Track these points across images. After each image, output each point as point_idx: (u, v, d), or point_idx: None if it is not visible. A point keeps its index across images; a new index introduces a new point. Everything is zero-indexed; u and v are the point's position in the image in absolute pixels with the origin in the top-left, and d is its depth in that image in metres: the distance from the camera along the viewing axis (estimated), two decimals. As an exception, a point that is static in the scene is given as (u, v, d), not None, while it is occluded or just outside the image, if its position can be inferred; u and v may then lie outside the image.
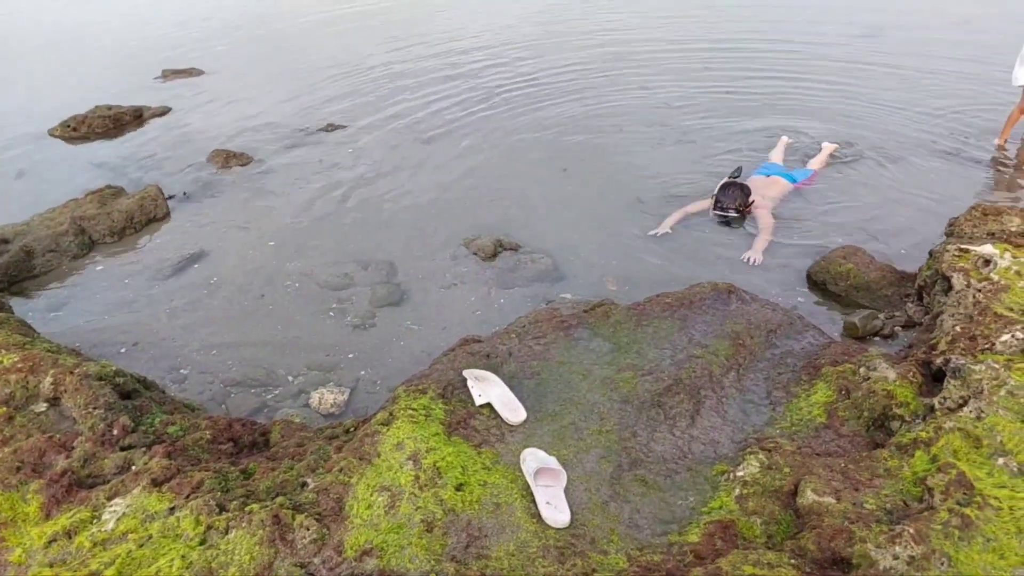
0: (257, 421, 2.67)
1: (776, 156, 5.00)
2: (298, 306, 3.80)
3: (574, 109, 6.34)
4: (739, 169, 4.54)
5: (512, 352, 2.89)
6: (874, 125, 5.52)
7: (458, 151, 5.62)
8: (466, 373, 2.68)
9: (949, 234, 3.41)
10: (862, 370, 2.56)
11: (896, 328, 3.13)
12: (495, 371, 2.73)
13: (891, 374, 2.48)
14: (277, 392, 3.17)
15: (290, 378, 3.26)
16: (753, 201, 4.20)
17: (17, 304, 3.84)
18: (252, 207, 4.91)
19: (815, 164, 4.81)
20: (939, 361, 2.42)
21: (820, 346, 2.91)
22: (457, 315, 3.65)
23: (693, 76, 6.95)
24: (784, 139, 5.24)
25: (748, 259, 3.86)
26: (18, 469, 2.17)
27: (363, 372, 3.28)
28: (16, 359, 2.65)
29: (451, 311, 3.69)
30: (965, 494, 1.87)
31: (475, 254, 4.17)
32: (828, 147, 5.01)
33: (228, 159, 5.57)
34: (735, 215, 4.21)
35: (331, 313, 3.73)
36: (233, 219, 4.75)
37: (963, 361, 2.29)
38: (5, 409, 2.49)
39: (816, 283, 3.61)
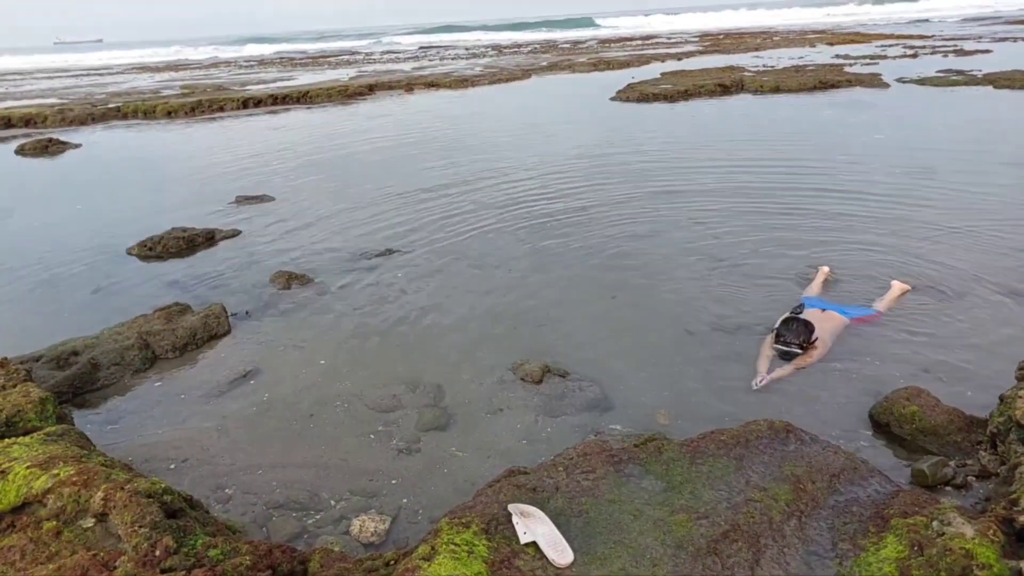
0: (297, 548, 2.61)
1: (814, 290, 4.96)
2: (345, 427, 3.81)
3: (623, 239, 6.50)
4: (801, 306, 4.52)
5: (559, 487, 2.80)
6: (932, 260, 5.47)
7: (509, 278, 5.77)
8: (511, 508, 2.59)
9: (1020, 378, 3.26)
10: (935, 524, 2.39)
11: (969, 478, 2.93)
12: (541, 507, 2.64)
13: (968, 531, 2.30)
14: (319, 517, 3.11)
15: (332, 502, 3.21)
16: (817, 339, 4.13)
17: (79, 416, 3.97)
18: (309, 327, 5.07)
19: (881, 305, 4.71)
20: (1023, 520, 2.24)
21: (887, 494, 2.73)
22: (503, 443, 3.60)
23: (742, 212, 7.10)
24: (824, 270, 5.20)
25: (758, 380, 3.90)
26: (59, 588, 2.15)
27: (405, 500, 3.21)
28: (72, 472, 2.70)
29: (497, 438, 3.64)
30: None
31: (523, 379, 4.16)
32: (899, 287, 4.91)
33: (290, 280, 5.84)
34: (799, 351, 4.11)
35: (377, 436, 3.71)
36: (290, 338, 4.90)
37: (1050, 520, 2.11)
38: (55, 523, 2.51)
39: (879, 425, 3.46)
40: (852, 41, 31.20)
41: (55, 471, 2.72)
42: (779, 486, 2.72)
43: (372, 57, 43.23)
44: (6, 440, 3.09)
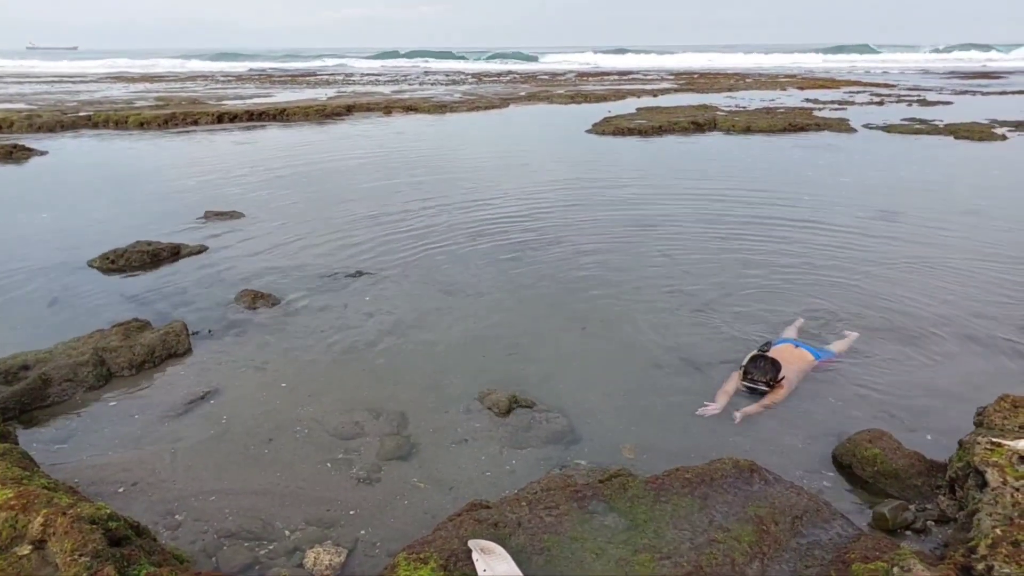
0: (247, 581, 2.51)
1: (790, 333, 5.01)
2: (304, 454, 3.70)
3: (595, 269, 6.53)
4: (768, 343, 4.56)
5: (521, 522, 2.74)
6: (896, 305, 5.58)
7: (479, 304, 5.74)
8: (472, 544, 2.53)
9: (978, 424, 3.31)
10: (896, 570, 2.39)
11: (929, 523, 2.95)
12: (503, 543, 2.58)
13: (929, 577, 2.30)
14: (272, 547, 3.00)
15: (287, 532, 3.10)
16: (783, 377, 4.16)
17: (24, 434, 3.80)
18: (272, 348, 4.96)
19: (838, 347, 4.78)
20: (981, 567, 2.25)
21: (849, 538, 2.73)
22: (466, 474, 3.53)
23: (712, 247, 7.20)
24: (800, 322, 5.25)
25: (736, 417, 3.92)
26: (-13, 621, 2.02)
27: (363, 532, 3.12)
28: (10, 495, 2.56)
29: (460, 470, 3.57)
30: None
31: (489, 408, 4.11)
32: (852, 336, 4.99)
33: (255, 299, 5.72)
34: (765, 389, 4.14)
35: (337, 464, 3.62)
36: (252, 359, 4.78)
37: (1008, 571, 2.12)
38: (-12, 550, 2.37)
39: (842, 466, 3.47)
40: (822, 86, 32.24)
41: (-7, 493, 2.59)
42: (742, 527, 2.70)
43: (352, 78, 43.34)
44: (-58, 459, 2.94)
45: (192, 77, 46.00)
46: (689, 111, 19.84)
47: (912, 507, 3.06)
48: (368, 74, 50.23)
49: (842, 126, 16.81)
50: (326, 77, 44.99)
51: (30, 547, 2.43)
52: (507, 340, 5.08)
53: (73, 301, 5.90)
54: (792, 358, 4.37)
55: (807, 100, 24.49)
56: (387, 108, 22.33)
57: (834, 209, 8.72)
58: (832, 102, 23.59)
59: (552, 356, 4.83)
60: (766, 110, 20.58)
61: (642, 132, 16.31)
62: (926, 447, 3.54)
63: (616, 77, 43.20)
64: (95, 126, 18.18)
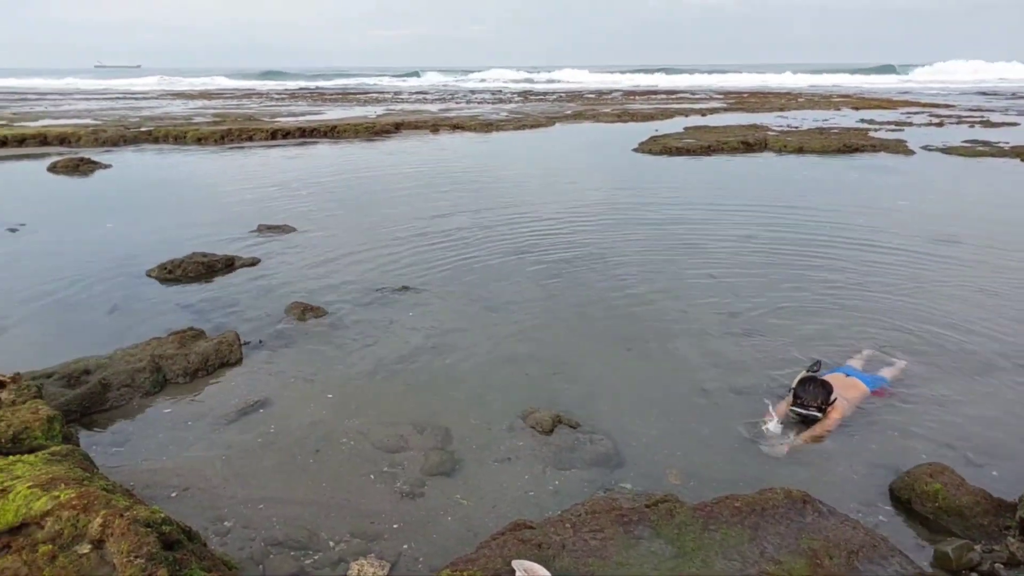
0: (293, 591, 2.53)
1: (855, 363, 4.83)
2: (350, 466, 3.74)
3: (640, 290, 6.46)
4: (818, 363, 4.41)
5: (566, 545, 2.71)
6: (955, 333, 5.37)
7: (523, 322, 5.74)
8: (515, 564, 2.51)
9: (1048, 461, 3.14)
10: (961, 613, 2.27)
11: (996, 565, 2.80)
12: (546, 565, 2.55)
13: (997, 622, 2.18)
14: (317, 557, 3.03)
15: (331, 543, 3.13)
16: (835, 400, 4.02)
17: (85, 436, 3.94)
18: (320, 360, 5.04)
19: (890, 374, 4.61)
20: (1055, 615, 2.12)
21: (909, 576, 2.62)
22: (509, 493, 3.51)
23: (761, 270, 7.06)
24: (868, 352, 5.01)
25: (784, 449, 3.79)
26: (47, 618, 2.09)
27: (406, 546, 3.13)
28: (73, 495, 2.65)
29: (503, 488, 3.56)
30: None
31: (532, 427, 4.09)
32: (902, 362, 4.80)
33: (305, 312, 5.84)
34: (816, 414, 3.99)
35: (382, 477, 3.64)
36: (301, 370, 4.87)
37: (1085, 619, 1.99)
38: (51, 547, 2.46)
39: (900, 501, 3.33)
40: (878, 106, 31.47)
41: (56, 493, 2.68)
42: (795, 560, 2.61)
43: (400, 96, 44.20)
44: (11, 457, 3.06)
45: (247, 95, 47.61)
46: (739, 130, 19.60)
47: (978, 547, 2.91)
48: (417, 92, 51.19)
49: (899, 147, 16.35)
50: (375, 95, 45.99)
51: (89, 546, 2.50)
52: (550, 359, 5.05)
53: (132, 309, 6.11)
54: (844, 387, 4.22)
55: (862, 120, 23.93)
56: (434, 126, 22.67)
57: (890, 232, 8.47)
58: (889, 123, 23.00)
59: (596, 376, 4.78)
60: (819, 130, 20.18)
61: (690, 151, 16.17)
62: (992, 484, 3.37)
63: (663, 96, 43.03)
64: (155, 141, 18.94)
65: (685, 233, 8.55)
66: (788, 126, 21.78)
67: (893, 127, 21.61)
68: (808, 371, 4.29)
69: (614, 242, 8.15)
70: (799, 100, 36.51)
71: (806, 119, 24.70)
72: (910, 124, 22.77)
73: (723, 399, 4.43)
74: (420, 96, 44.95)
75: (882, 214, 9.57)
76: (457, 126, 22.69)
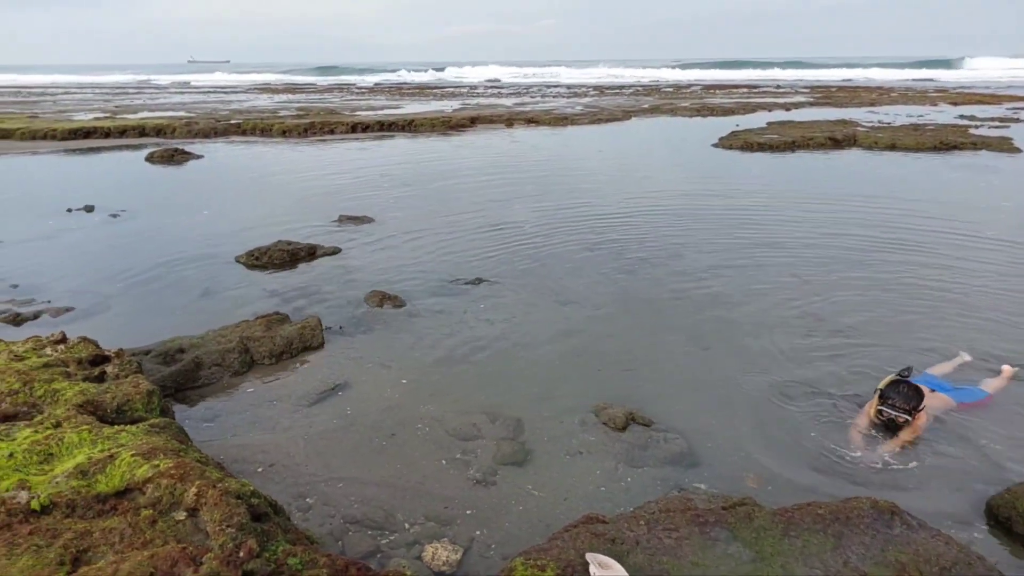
0: (371, 567, 2.61)
1: (941, 370, 4.57)
2: (424, 451, 3.82)
3: (718, 288, 6.31)
4: (908, 369, 4.20)
5: (640, 541, 2.69)
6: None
7: (595, 316, 5.70)
8: (589, 557, 2.51)
9: None
10: (1069, 641, 2.12)
11: (1108, 593, 2.60)
12: (620, 560, 2.54)
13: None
14: (392, 538, 3.12)
15: (407, 525, 3.21)
16: (924, 407, 3.81)
17: (178, 410, 4.18)
18: (397, 347, 5.17)
19: (991, 387, 4.33)
20: None
21: (1008, 599, 2.46)
22: (580, 487, 3.51)
23: (847, 271, 6.76)
24: (964, 356, 4.74)
25: (872, 459, 3.62)
26: (151, 575, 2.23)
27: (478, 532, 3.17)
28: (171, 465, 2.82)
29: (574, 481, 3.55)
30: None
31: (604, 423, 4.06)
32: (1008, 371, 4.51)
33: (383, 300, 5.99)
34: (905, 418, 3.80)
35: (454, 463, 3.71)
36: (378, 356, 5.01)
37: None
38: (151, 512, 2.63)
39: (998, 519, 3.13)
40: (980, 101, 29.52)
41: (156, 462, 2.86)
42: (881, 572, 2.50)
43: (476, 91, 44.59)
44: (116, 427, 3.28)
45: (329, 89, 49.10)
46: (826, 126, 18.80)
47: (1086, 573, 2.71)
48: (491, 86, 51.51)
49: (1004, 145, 15.28)
50: (451, 90, 46.57)
51: (185, 514, 2.66)
52: (623, 355, 5.01)
53: (221, 292, 6.43)
54: (928, 397, 3.98)
55: (961, 117, 22.49)
56: (509, 120, 22.77)
57: (991, 236, 7.94)
58: (992, 119, 21.52)
59: (671, 375, 4.71)
60: (913, 126, 19.11)
61: (773, 147, 15.63)
62: (1104, 507, 3.12)
63: (745, 90, 41.72)
64: (243, 133, 19.81)
65: (767, 231, 8.28)
66: (879, 122, 20.72)
67: (997, 124, 20.20)
68: (899, 375, 4.09)
69: (691, 239, 7.98)
70: (891, 95, 34.66)
71: (899, 115, 23.43)
72: (1016, 120, 21.24)
73: (805, 403, 4.28)
74: (495, 91, 45.22)
75: (982, 214, 8.99)
76: (532, 120, 22.71)
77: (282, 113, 25.18)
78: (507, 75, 75.36)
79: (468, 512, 3.31)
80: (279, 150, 16.63)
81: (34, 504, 2.63)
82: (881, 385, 3.97)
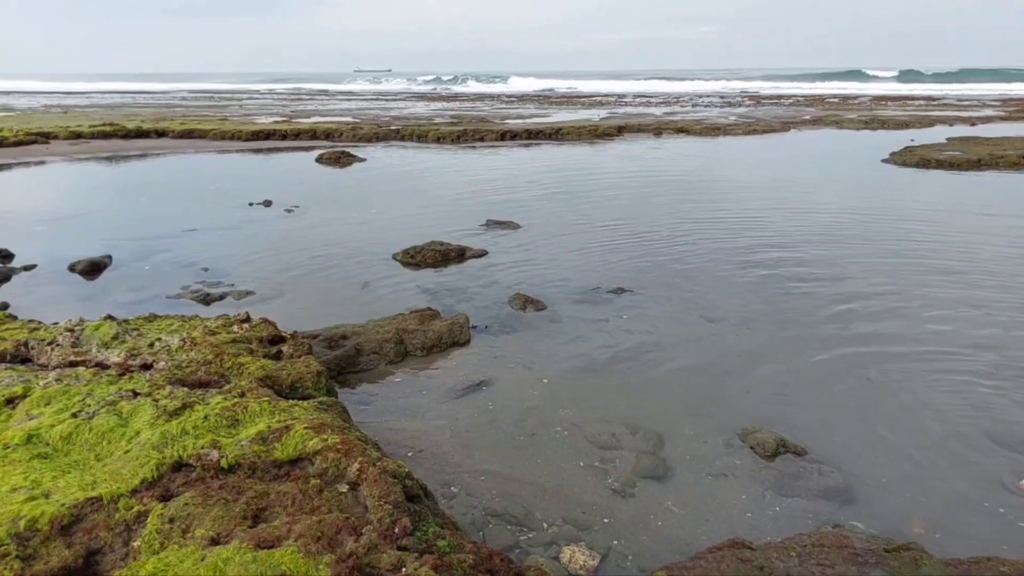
0: (514, 560, 2.69)
1: None
2: (563, 454, 3.87)
3: (883, 313, 5.84)
4: None
5: (791, 573, 2.56)
6: None
7: (744, 336, 5.48)
8: (735, 581, 2.43)
9: None
10: None
11: None
12: (768, 589, 2.43)
13: None
14: (531, 535, 3.19)
15: (545, 525, 3.27)
16: None
17: (340, 391, 4.53)
18: (538, 349, 5.27)
19: None
20: None
21: None
22: (724, 510, 3.39)
23: (1041, 305, 6.00)
24: None
25: None
26: (318, 539, 2.45)
27: (616, 542, 3.17)
28: (337, 440, 3.07)
29: (717, 504, 3.45)
30: None
31: (752, 448, 3.90)
32: None
33: (526, 303, 6.13)
34: None
35: (593, 470, 3.72)
36: (520, 357, 5.13)
37: None
38: (318, 482, 2.88)
39: None
40: None
41: (324, 436, 3.13)
42: (1079, 648, 2.21)
43: (624, 100, 44.29)
44: (290, 401, 3.62)
45: (480, 97, 50.87)
46: (1020, 143, 16.78)
47: None
48: (641, 95, 50.93)
49: None
50: (600, 99, 46.58)
51: (347, 487, 2.89)
52: (773, 378, 4.77)
53: (379, 286, 6.88)
54: None
55: None
56: (657, 130, 22.40)
57: None
58: None
59: (827, 404, 4.42)
60: None
61: (954, 165, 14.19)
62: None
63: (922, 102, 38.18)
64: (402, 138, 21.02)
65: (942, 256, 7.54)
66: (1088, 139, 18.16)
67: None
68: None
69: (854, 260, 7.44)
70: (1105, 108, 30.24)
71: (1114, 131, 20.39)
72: None
73: (982, 447, 3.86)
74: (644, 100, 44.67)
75: None
76: (681, 129, 22.20)
77: (436, 120, 26.44)
78: (648, 88, 74.10)
79: (606, 520, 3.31)
80: (433, 155, 17.48)
81: (223, 463, 2.98)
82: None
